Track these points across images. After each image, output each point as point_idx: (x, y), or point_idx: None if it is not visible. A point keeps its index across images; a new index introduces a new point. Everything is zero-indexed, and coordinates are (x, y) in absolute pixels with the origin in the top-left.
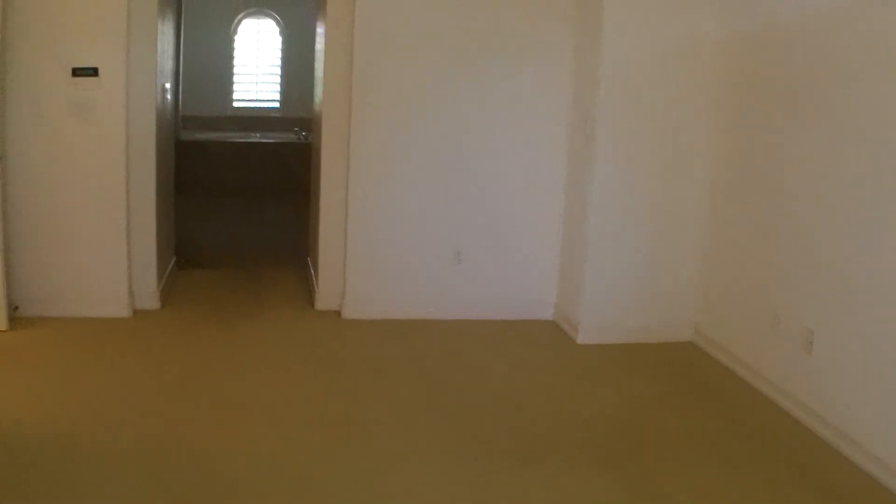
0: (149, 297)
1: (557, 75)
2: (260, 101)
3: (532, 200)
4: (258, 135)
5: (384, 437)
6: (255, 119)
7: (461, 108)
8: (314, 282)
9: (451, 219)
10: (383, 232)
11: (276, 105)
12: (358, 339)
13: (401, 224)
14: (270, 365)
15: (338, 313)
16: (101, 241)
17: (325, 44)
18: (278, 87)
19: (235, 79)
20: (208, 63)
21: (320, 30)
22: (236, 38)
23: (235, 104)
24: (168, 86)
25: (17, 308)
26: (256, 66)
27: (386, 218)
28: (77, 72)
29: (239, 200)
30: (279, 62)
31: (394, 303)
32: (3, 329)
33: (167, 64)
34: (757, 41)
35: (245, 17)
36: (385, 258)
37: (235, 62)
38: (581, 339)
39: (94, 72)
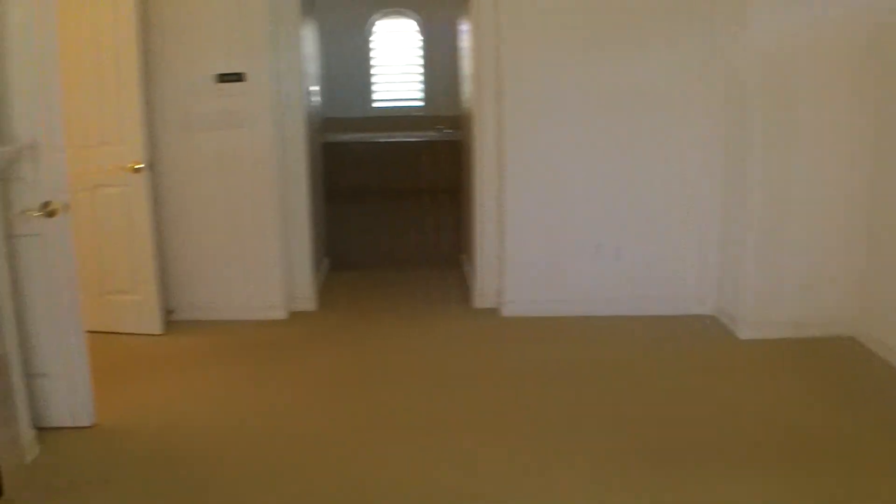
0: (304, 298)
1: (711, 69)
2: (401, 100)
3: (689, 194)
4: (402, 134)
5: (551, 442)
6: (396, 119)
7: (615, 101)
8: (470, 280)
9: (608, 214)
10: (540, 228)
11: (420, 104)
12: (518, 338)
13: (557, 220)
14: (430, 367)
15: (495, 311)
16: (256, 244)
17: (472, 41)
18: (420, 86)
19: (374, 79)
20: (346, 64)
21: (465, 27)
22: (372, 38)
23: (375, 104)
24: (313, 88)
25: (172, 312)
26: (395, 66)
27: (542, 214)
28: (223, 78)
29: (385, 201)
30: (420, 60)
31: (552, 299)
32: (158, 333)
33: (311, 66)
34: None
35: (380, 16)
36: (542, 254)
37: (373, 62)
38: (743, 334)
39: (239, 77)
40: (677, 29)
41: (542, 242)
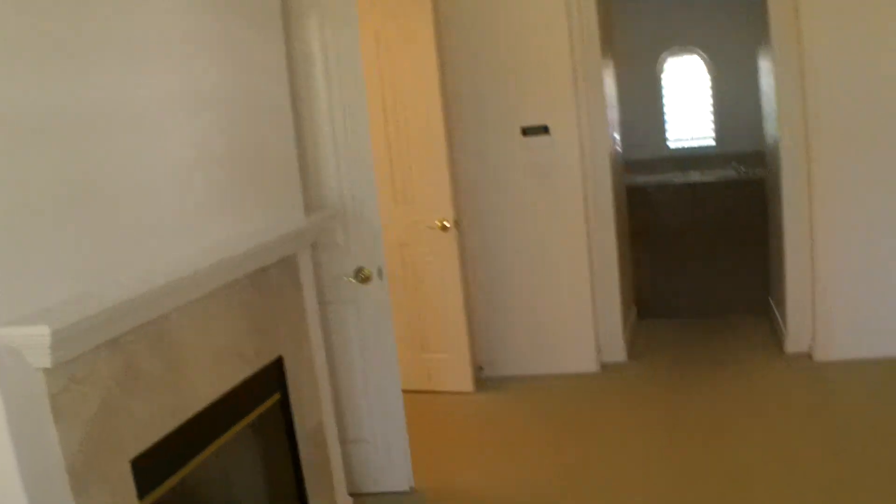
0: (615, 349)
1: None
2: (695, 139)
3: None
4: (697, 173)
5: None
6: (689, 158)
7: None
8: (781, 324)
9: None
10: (855, 266)
11: (711, 142)
12: (837, 385)
13: (874, 256)
14: (748, 423)
15: (808, 356)
16: (565, 296)
17: (776, 79)
18: (712, 124)
19: (668, 118)
20: (638, 104)
21: (765, 63)
22: (662, 76)
23: (671, 144)
24: (617, 136)
25: (481, 369)
26: (687, 104)
27: (857, 250)
28: (527, 131)
29: (685, 243)
30: (710, 97)
31: (871, 340)
32: (470, 391)
33: (613, 112)
34: None
35: (669, 55)
36: (859, 293)
37: (666, 101)
38: None
39: (544, 130)
40: None
41: (859, 280)
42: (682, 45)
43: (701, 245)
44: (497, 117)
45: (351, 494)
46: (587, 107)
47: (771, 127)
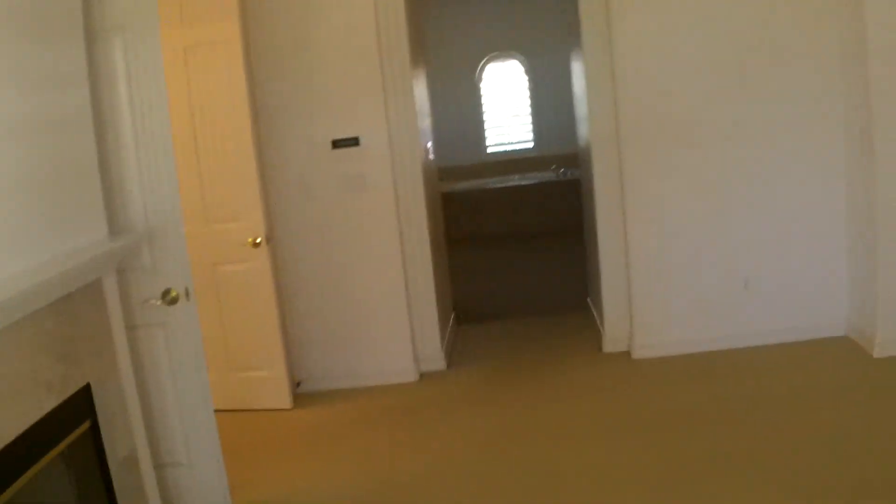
0: (434, 358)
1: (827, 85)
2: (512, 143)
3: (814, 214)
4: (516, 177)
5: (720, 496)
6: (509, 162)
7: (734, 127)
8: (599, 324)
9: (736, 242)
10: (666, 264)
11: (530, 146)
12: (654, 381)
13: (683, 254)
14: (569, 424)
15: (627, 354)
16: (381, 307)
17: (587, 80)
18: (530, 127)
19: (487, 124)
20: (458, 111)
21: (578, 66)
22: (481, 83)
23: (489, 149)
24: (430, 145)
25: (299, 384)
26: (505, 109)
27: (667, 248)
28: (337, 143)
29: (505, 247)
30: (528, 101)
31: (684, 337)
32: (288, 407)
33: (426, 122)
34: None
35: (488, 61)
36: (671, 291)
37: (484, 107)
38: (877, 352)
39: (355, 142)
40: (798, 48)
41: (670, 278)
42: (502, 50)
43: (522, 248)
44: (307, 130)
45: None
46: (398, 117)
47: (584, 128)
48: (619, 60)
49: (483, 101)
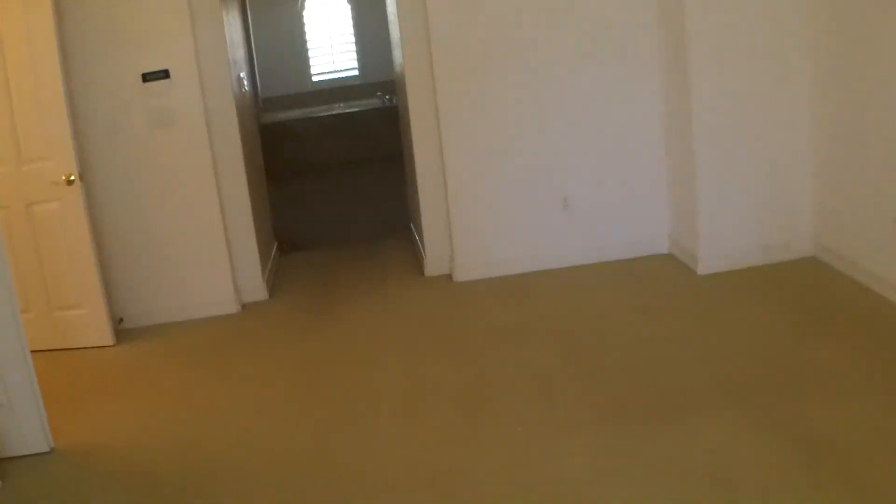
0: (255, 289)
1: (644, 8)
2: (338, 71)
3: (633, 135)
4: (341, 105)
5: (523, 409)
6: (336, 90)
7: (550, 49)
8: (421, 248)
9: (553, 164)
10: (484, 187)
11: (356, 73)
12: (474, 303)
13: (501, 177)
14: (389, 347)
15: (449, 277)
16: (200, 241)
17: (399, 6)
18: (355, 55)
19: (311, 53)
20: (281, 42)
21: None
22: (305, 12)
23: (315, 78)
24: (243, 75)
25: (121, 321)
26: (330, 38)
27: (485, 172)
28: (147, 77)
29: (331, 176)
30: (352, 30)
31: (505, 259)
32: (110, 344)
33: (238, 52)
34: None
35: None
36: (489, 214)
37: (308, 37)
38: (701, 269)
39: (165, 74)
40: None
41: (489, 200)
42: None
43: (349, 176)
44: (116, 65)
45: None
46: (207, 49)
47: (398, 55)
48: None
49: (306, 29)
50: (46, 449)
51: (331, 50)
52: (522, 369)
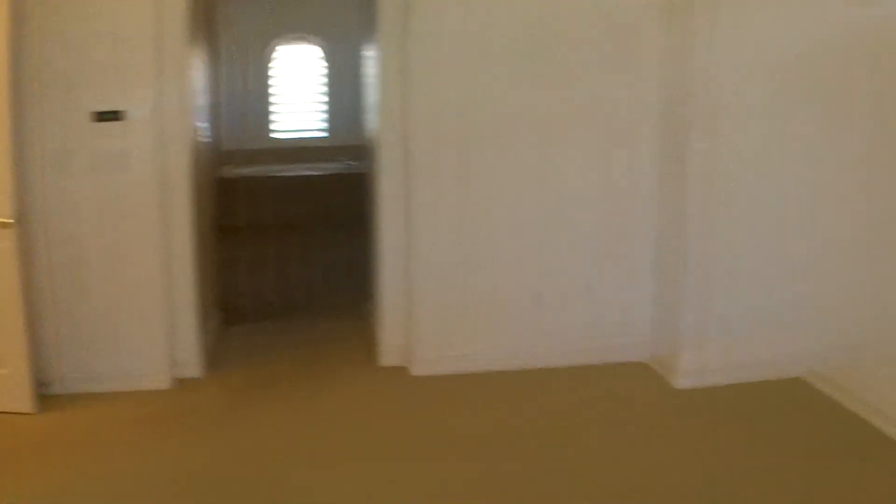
0: (190, 363)
1: (642, 92)
2: (303, 130)
3: (619, 232)
4: (304, 166)
5: None
6: (297, 150)
7: (532, 132)
8: (378, 333)
9: (528, 257)
10: (452, 273)
11: (325, 134)
12: (433, 403)
13: (472, 265)
14: (334, 448)
15: (405, 370)
16: (134, 303)
17: (378, 67)
18: (325, 116)
19: (273, 108)
20: (250, 94)
21: (370, 53)
22: (271, 65)
23: (275, 135)
24: (202, 125)
25: (47, 386)
26: (299, 94)
27: (454, 256)
28: (100, 116)
29: (288, 240)
30: (325, 88)
31: (468, 354)
32: (29, 412)
33: (202, 100)
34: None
35: (281, 42)
36: (455, 303)
37: (272, 90)
38: (679, 383)
39: (116, 115)
40: (605, 54)
41: (456, 290)
42: (296, 32)
43: (306, 243)
44: (66, 102)
45: None
46: (168, 94)
47: (373, 119)
48: (414, 52)
49: (271, 84)
50: None
51: (297, 107)
52: (477, 485)
